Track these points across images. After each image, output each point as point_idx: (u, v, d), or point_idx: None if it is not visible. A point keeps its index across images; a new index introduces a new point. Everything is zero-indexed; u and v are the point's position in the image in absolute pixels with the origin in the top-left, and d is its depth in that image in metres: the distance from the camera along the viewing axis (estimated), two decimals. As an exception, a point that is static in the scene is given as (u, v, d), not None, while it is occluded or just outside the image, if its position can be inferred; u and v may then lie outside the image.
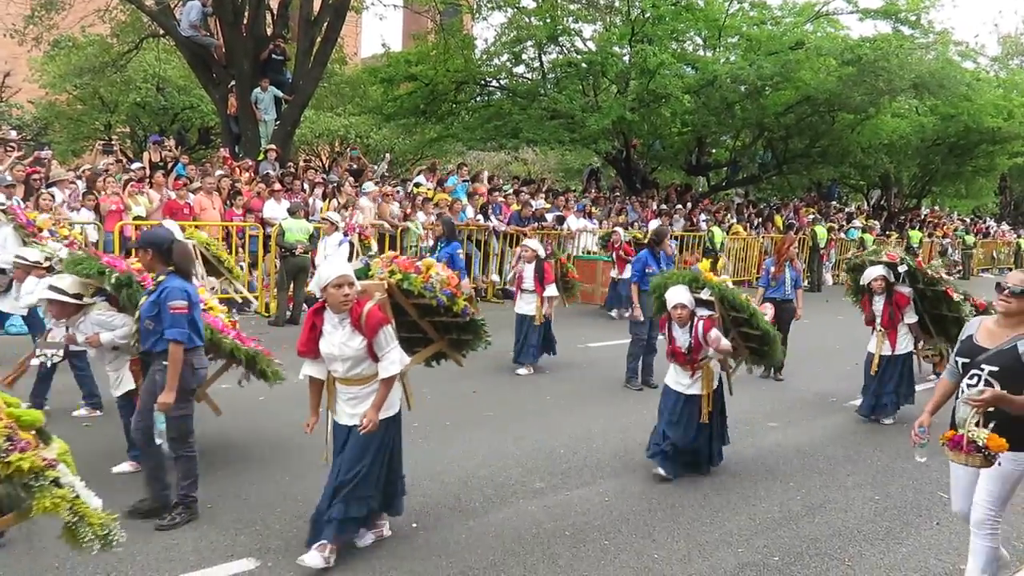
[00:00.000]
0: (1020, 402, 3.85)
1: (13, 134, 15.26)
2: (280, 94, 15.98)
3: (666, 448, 6.00)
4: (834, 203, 27.70)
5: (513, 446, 6.65)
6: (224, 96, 16.07)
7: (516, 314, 9.68)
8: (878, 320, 7.88)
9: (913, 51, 20.14)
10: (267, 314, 12.18)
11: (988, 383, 3.96)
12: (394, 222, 13.82)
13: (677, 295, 5.93)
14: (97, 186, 11.76)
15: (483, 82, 21.91)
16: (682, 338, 5.97)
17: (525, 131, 20.31)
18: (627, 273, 13.28)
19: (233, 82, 15.84)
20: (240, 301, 11.57)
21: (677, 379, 6.11)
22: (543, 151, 25.55)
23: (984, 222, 33.19)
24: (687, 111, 19.85)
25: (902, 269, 7.76)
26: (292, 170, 14.90)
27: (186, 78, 19.89)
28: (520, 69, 22.08)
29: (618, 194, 21.37)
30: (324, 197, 14.06)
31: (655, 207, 19.36)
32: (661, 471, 5.96)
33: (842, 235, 22.55)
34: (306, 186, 14.28)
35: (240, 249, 12.39)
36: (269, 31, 16.67)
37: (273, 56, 16.09)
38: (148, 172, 13.35)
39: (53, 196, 10.72)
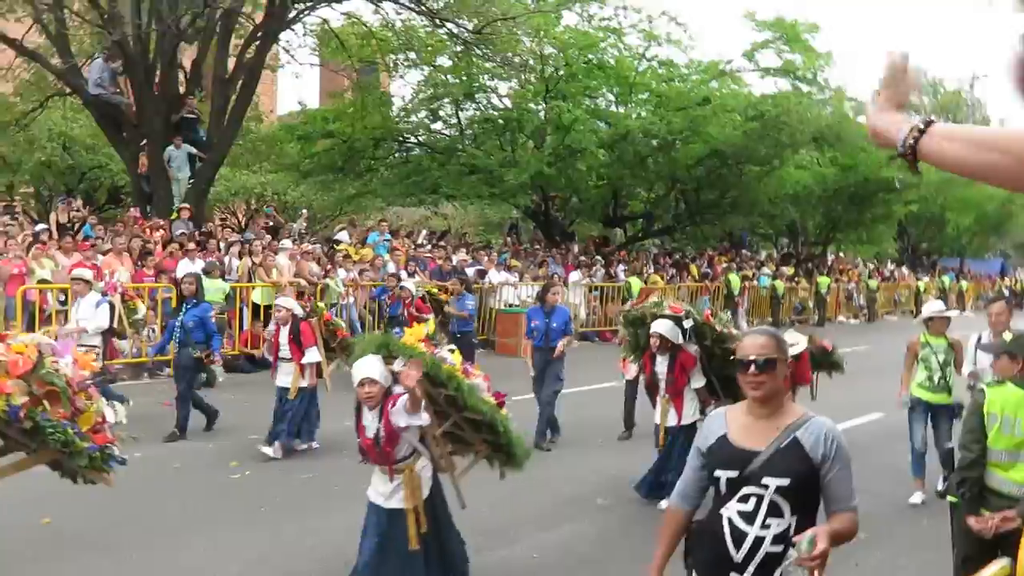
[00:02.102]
0: (847, 531, 2.67)
1: None
2: (194, 151, 15.73)
3: None
4: (745, 251, 28.71)
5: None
6: (135, 155, 15.72)
7: (276, 387, 8.03)
8: (661, 385, 6.69)
9: (811, 107, 21.31)
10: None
11: (775, 506, 2.67)
12: (313, 279, 13.66)
13: (364, 369, 4.31)
14: (-2, 249, 11.28)
15: (401, 138, 22.08)
16: (371, 425, 4.34)
17: (444, 186, 20.51)
18: None
19: (144, 141, 15.52)
20: None
21: (376, 487, 4.48)
22: (463, 205, 25.78)
23: (886, 266, 34.84)
24: (602, 165, 20.39)
25: (688, 324, 6.60)
26: (208, 229, 14.62)
27: (94, 136, 19.38)
28: (438, 125, 22.39)
29: (538, 247, 21.66)
30: (240, 256, 13.82)
31: (573, 259, 19.70)
32: None
33: (754, 282, 23.33)
34: (222, 245, 14.02)
35: (151, 311, 12.01)
36: (182, 89, 16.47)
37: (186, 115, 15.88)
38: (56, 233, 12.90)
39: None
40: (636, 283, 18.71)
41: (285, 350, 7.93)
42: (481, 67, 20.29)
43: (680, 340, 6.56)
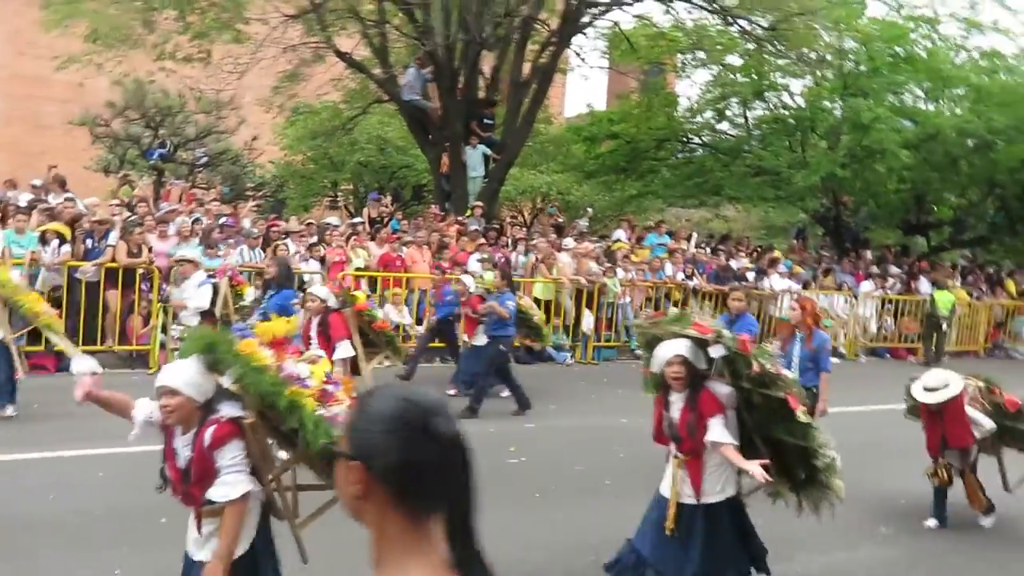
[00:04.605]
0: None
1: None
2: (489, 152, 16.80)
3: None
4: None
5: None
6: (438, 156, 17.14)
7: None
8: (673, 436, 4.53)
9: None
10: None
11: None
12: (592, 278, 14.02)
13: (164, 375, 3.34)
14: (325, 239, 12.90)
15: (685, 139, 21.90)
16: (182, 453, 3.33)
17: (727, 188, 20.06)
18: (479, 339, 9.80)
19: (447, 143, 16.88)
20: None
21: (189, 532, 3.46)
22: (746, 208, 24.96)
23: None
24: (905, 167, 18.72)
25: (716, 353, 4.40)
26: (497, 226, 15.56)
27: (404, 139, 21.37)
28: (724, 125, 21.91)
29: (826, 254, 20.41)
30: (525, 252, 14.56)
31: (864, 268, 18.31)
32: None
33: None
34: (510, 241, 14.87)
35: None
36: (481, 94, 17.65)
37: (483, 119, 17.01)
38: (368, 226, 14.50)
39: (288, 247, 11.90)
40: (945, 298, 16.86)
41: (315, 344, 7.11)
42: (773, 64, 19.52)
43: (702, 366, 4.45)
